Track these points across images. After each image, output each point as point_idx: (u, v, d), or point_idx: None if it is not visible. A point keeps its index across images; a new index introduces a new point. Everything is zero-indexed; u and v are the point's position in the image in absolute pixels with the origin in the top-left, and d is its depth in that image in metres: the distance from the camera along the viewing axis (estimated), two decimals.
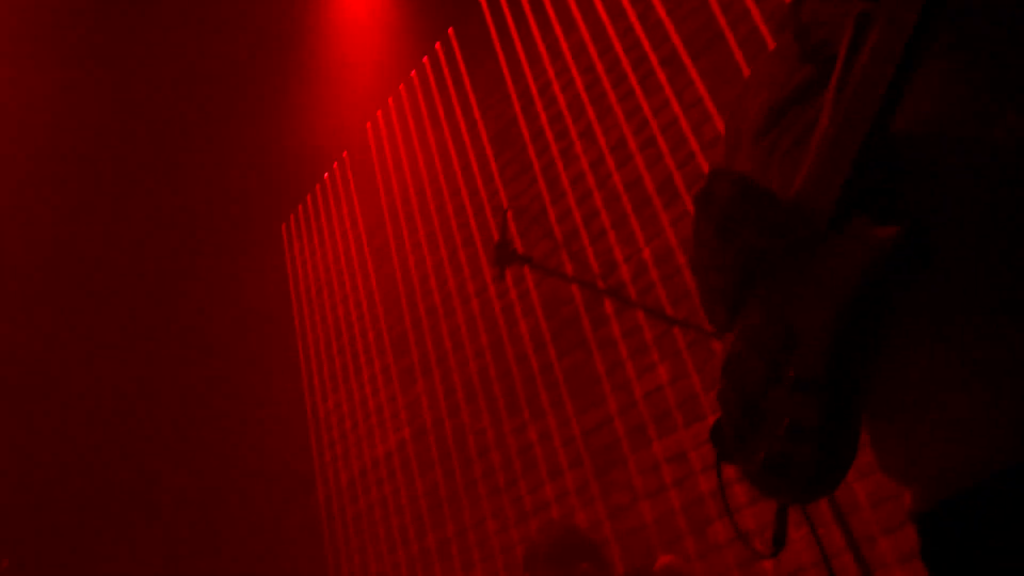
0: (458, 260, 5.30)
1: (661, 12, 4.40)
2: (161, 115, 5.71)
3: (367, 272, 5.96)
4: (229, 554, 5.77)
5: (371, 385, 5.70)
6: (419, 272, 5.55)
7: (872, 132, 1.00)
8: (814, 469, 1.01)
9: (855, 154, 1.01)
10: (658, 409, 4.01)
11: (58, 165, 5.49)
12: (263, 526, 5.78)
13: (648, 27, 4.46)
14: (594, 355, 4.36)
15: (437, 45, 5.72)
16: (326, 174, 6.51)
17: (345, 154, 6.39)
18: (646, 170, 4.32)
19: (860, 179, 1.01)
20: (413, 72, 5.88)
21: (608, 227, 4.44)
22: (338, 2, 5.73)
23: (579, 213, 4.61)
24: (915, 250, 0.96)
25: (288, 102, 5.90)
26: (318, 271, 6.42)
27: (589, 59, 4.75)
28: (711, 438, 1.22)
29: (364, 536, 5.43)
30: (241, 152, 5.94)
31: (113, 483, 5.66)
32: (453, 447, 5.04)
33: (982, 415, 0.93)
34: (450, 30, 5.64)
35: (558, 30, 4.97)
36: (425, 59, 5.79)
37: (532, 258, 2.85)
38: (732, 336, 1.21)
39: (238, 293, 6.39)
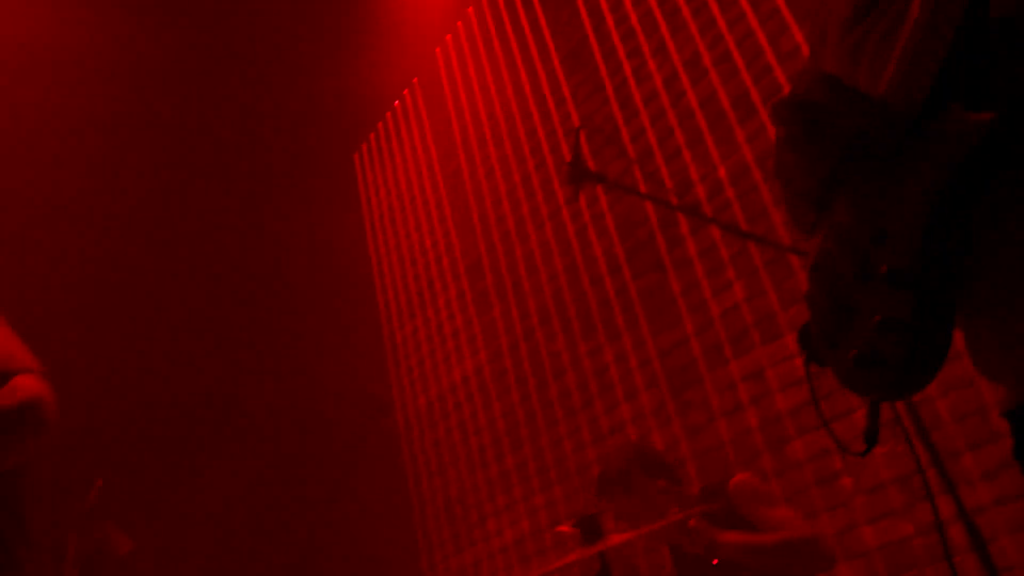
0: (531, 184, 5.29)
1: None
2: (233, 49, 5.75)
3: (440, 198, 5.99)
4: (313, 479, 5.96)
5: (446, 311, 5.76)
6: (492, 197, 5.56)
7: (967, 16, 0.97)
8: (906, 363, 1.00)
9: (950, 39, 0.97)
10: (735, 328, 3.98)
11: (137, 103, 5.59)
12: (345, 451, 5.95)
13: None
14: (669, 275, 4.33)
15: None
16: (396, 102, 6.52)
17: (415, 81, 6.38)
18: (721, 86, 4.23)
19: (954, 65, 0.98)
20: None
21: (683, 146, 4.38)
22: None
23: (653, 132, 4.54)
24: (1011, 137, 0.93)
25: (357, 31, 5.90)
26: (391, 199, 6.47)
27: None
28: (799, 341, 1.21)
29: (444, 459, 5.55)
30: (312, 84, 5.97)
31: (202, 410, 5.86)
32: (529, 370, 5.09)
33: None
34: None
35: None
36: None
37: (606, 177, 2.83)
38: (819, 239, 1.20)
39: (314, 224, 6.49)
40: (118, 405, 5.42)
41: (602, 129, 4.79)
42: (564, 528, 2.38)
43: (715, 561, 2.42)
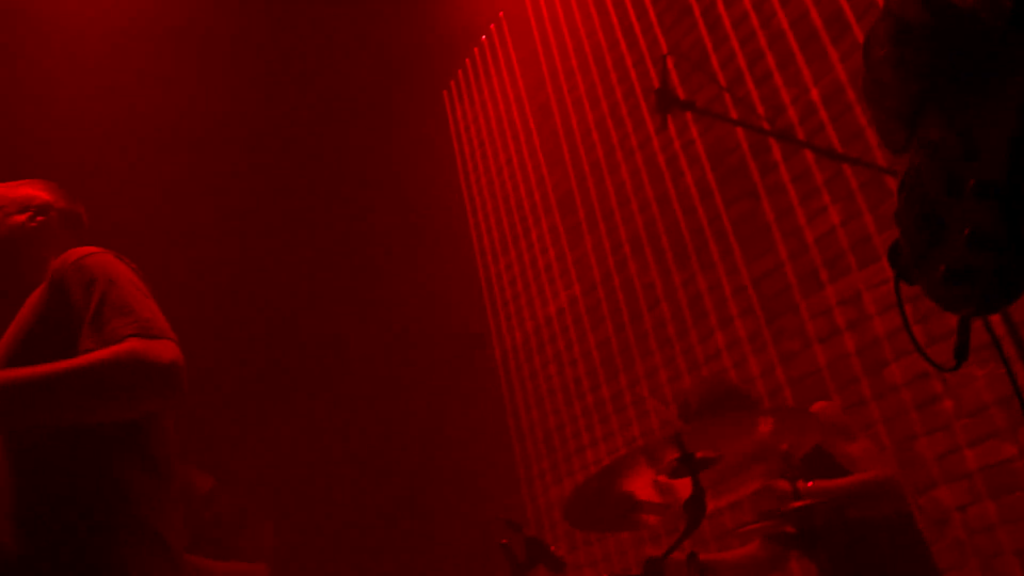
0: (620, 114, 5.25)
1: None
2: None
3: (530, 132, 5.99)
4: (414, 414, 6.14)
5: (539, 244, 5.80)
6: (581, 128, 5.54)
7: None
8: (996, 277, 1.00)
9: None
10: (830, 252, 3.92)
11: (231, 41, 5.68)
12: (445, 386, 6.10)
13: None
14: (763, 202, 4.28)
15: None
16: (483, 36, 6.51)
17: (501, 15, 6.35)
18: (813, 5, 4.11)
19: None
20: None
21: (774, 68, 4.28)
22: None
23: (743, 56, 4.45)
24: None
25: None
26: (481, 135, 6.50)
27: None
28: (889, 259, 1.21)
29: (541, 391, 5.64)
30: (400, 22, 6.00)
31: (305, 348, 6.06)
32: (623, 301, 5.11)
33: None
34: None
35: None
36: None
37: (694, 104, 2.80)
38: (909, 157, 1.19)
39: (406, 163, 6.58)
40: (232, 335, 5.63)
41: (690, 55, 4.71)
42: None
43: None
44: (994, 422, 3.26)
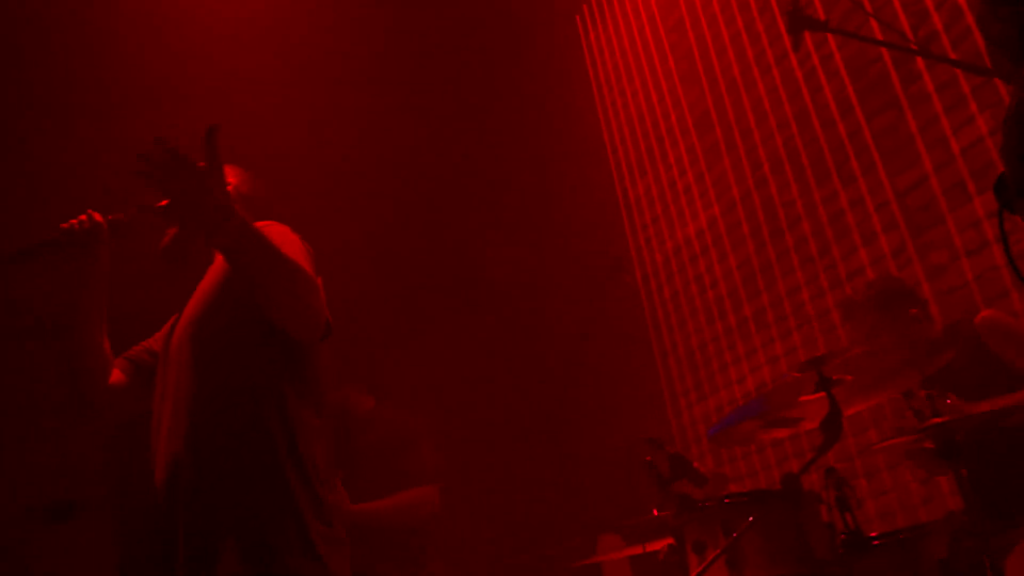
0: (755, 29, 5.15)
1: None
2: None
3: (664, 53, 5.95)
4: (559, 335, 6.32)
5: (677, 166, 5.81)
6: (716, 46, 5.47)
7: None
8: None
9: None
10: (978, 163, 3.81)
11: None
12: (588, 308, 6.23)
13: None
14: (906, 113, 4.17)
15: None
16: None
17: None
18: None
19: None
20: None
21: None
22: None
23: None
24: None
25: None
26: (615, 58, 6.48)
27: None
28: (995, 192, 1.25)
29: (682, 311, 5.72)
30: None
31: (455, 270, 6.30)
32: (763, 220, 5.09)
33: None
34: None
35: None
36: None
37: (827, 22, 2.78)
38: (1014, 91, 1.22)
39: (542, 89, 6.65)
40: (381, 267, 5.91)
41: None
42: (791, 375, 2.51)
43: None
44: None
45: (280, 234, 2.14)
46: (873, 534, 2.51)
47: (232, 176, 2.46)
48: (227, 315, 2.13)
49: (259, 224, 2.18)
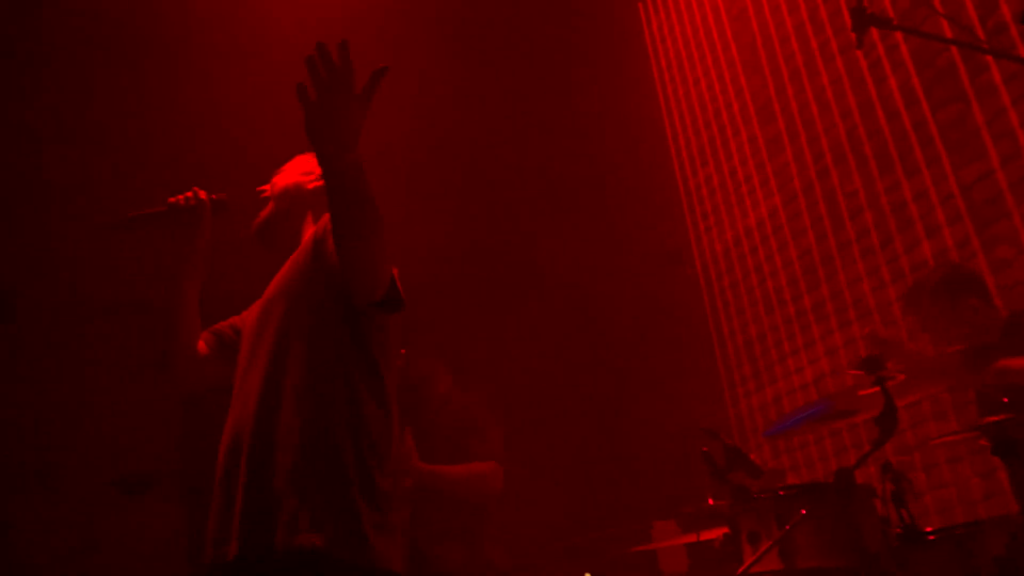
0: (819, 18, 5.12)
1: None
2: None
3: (727, 41, 5.93)
4: (619, 324, 6.37)
5: (739, 155, 5.80)
6: (780, 35, 5.44)
7: None
8: None
9: None
10: None
11: None
12: (648, 297, 6.27)
13: None
14: (972, 106, 4.12)
15: None
16: None
17: None
18: None
19: None
20: None
21: None
22: None
23: None
24: None
25: None
26: (677, 45, 6.48)
27: None
28: None
29: (742, 301, 5.72)
30: None
31: (513, 259, 6.38)
32: (824, 210, 5.08)
33: None
34: None
35: None
36: None
37: (891, 20, 2.78)
38: None
39: (604, 78, 6.68)
40: (439, 256, 6.02)
41: None
42: (850, 373, 2.54)
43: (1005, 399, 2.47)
44: None
45: None
46: (928, 528, 2.54)
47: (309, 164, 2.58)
48: (308, 297, 2.24)
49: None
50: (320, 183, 2.48)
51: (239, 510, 2.08)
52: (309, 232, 2.42)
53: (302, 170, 2.60)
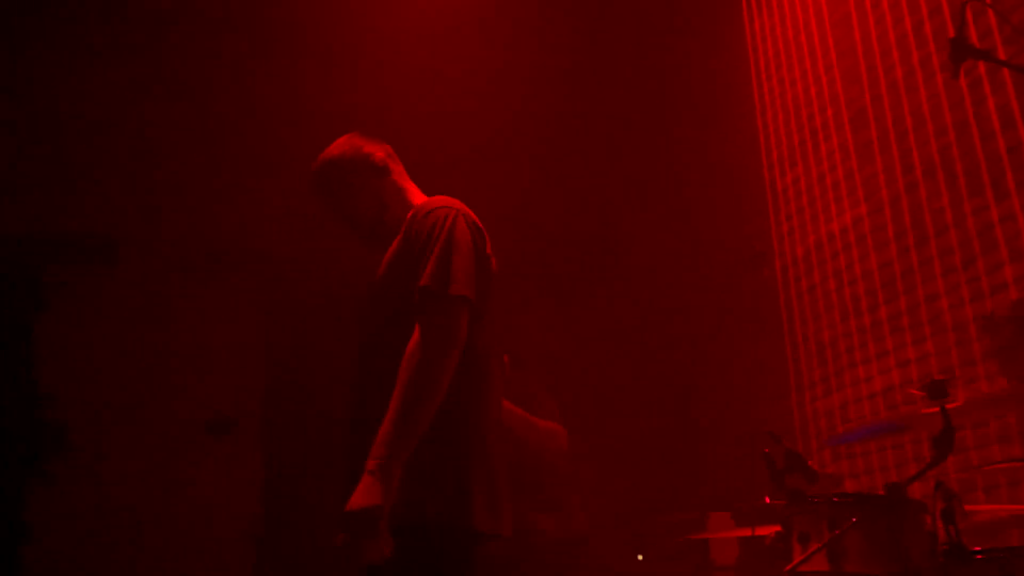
0: (923, 32, 5.12)
1: None
2: None
3: (827, 46, 5.95)
4: (693, 317, 6.47)
5: (828, 161, 5.83)
6: (881, 45, 5.44)
7: None
8: None
9: None
10: None
11: None
12: (724, 292, 6.36)
13: None
14: None
15: None
16: None
17: None
18: None
19: None
20: None
21: None
22: None
23: None
24: None
25: None
26: (777, 46, 6.50)
27: None
28: None
29: (818, 305, 5.78)
30: None
31: (595, 245, 6.52)
32: (910, 224, 5.10)
33: None
34: None
35: None
36: None
37: (992, 54, 2.84)
38: None
39: (700, 71, 6.74)
40: (523, 238, 6.20)
41: (995, 3, 4.51)
42: (913, 390, 2.64)
43: None
44: None
45: (442, 220, 2.42)
46: (977, 548, 2.64)
47: (371, 147, 2.74)
48: (393, 294, 2.46)
49: (433, 200, 2.47)
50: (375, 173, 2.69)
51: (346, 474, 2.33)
52: (401, 228, 2.58)
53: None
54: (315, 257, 6.49)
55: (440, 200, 2.51)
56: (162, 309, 6.18)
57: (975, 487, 4.42)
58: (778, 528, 2.79)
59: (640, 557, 5.16)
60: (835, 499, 2.64)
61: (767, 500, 3.31)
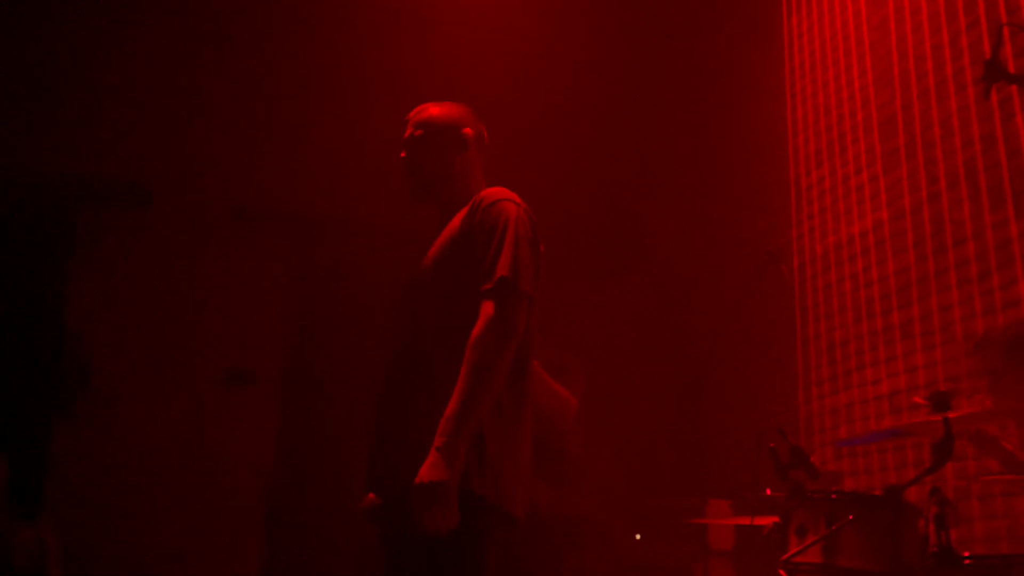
0: (960, 44, 5.17)
1: None
2: None
3: (863, 49, 5.99)
4: (708, 306, 6.57)
5: (854, 163, 5.90)
6: (917, 53, 5.49)
7: None
8: None
9: None
10: None
11: None
12: (740, 285, 6.44)
13: None
14: None
15: None
16: None
17: None
18: None
19: None
20: None
21: None
22: None
23: None
24: None
25: None
26: (813, 45, 6.54)
27: None
28: None
29: (832, 305, 5.88)
30: None
31: (615, 231, 6.63)
32: (929, 233, 5.18)
33: None
34: None
35: None
36: None
37: (1022, 77, 2.92)
38: None
39: (734, 63, 6.80)
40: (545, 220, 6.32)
41: None
42: (918, 399, 2.76)
43: None
44: None
45: (505, 214, 2.53)
46: (966, 554, 2.76)
47: (469, 121, 2.85)
48: (449, 273, 2.57)
49: (496, 191, 2.58)
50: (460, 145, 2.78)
51: (376, 443, 2.47)
52: (464, 207, 2.68)
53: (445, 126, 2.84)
54: (349, 222, 6.63)
55: (503, 192, 2.61)
56: (193, 260, 6.33)
57: (970, 495, 4.54)
58: (776, 519, 2.92)
59: (638, 536, 5.31)
60: (834, 496, 2.77)
61: (768, 492, 3.43)
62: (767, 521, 2.98)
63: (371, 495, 2.61)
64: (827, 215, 6.08)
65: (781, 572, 2.73)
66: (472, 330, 2.37)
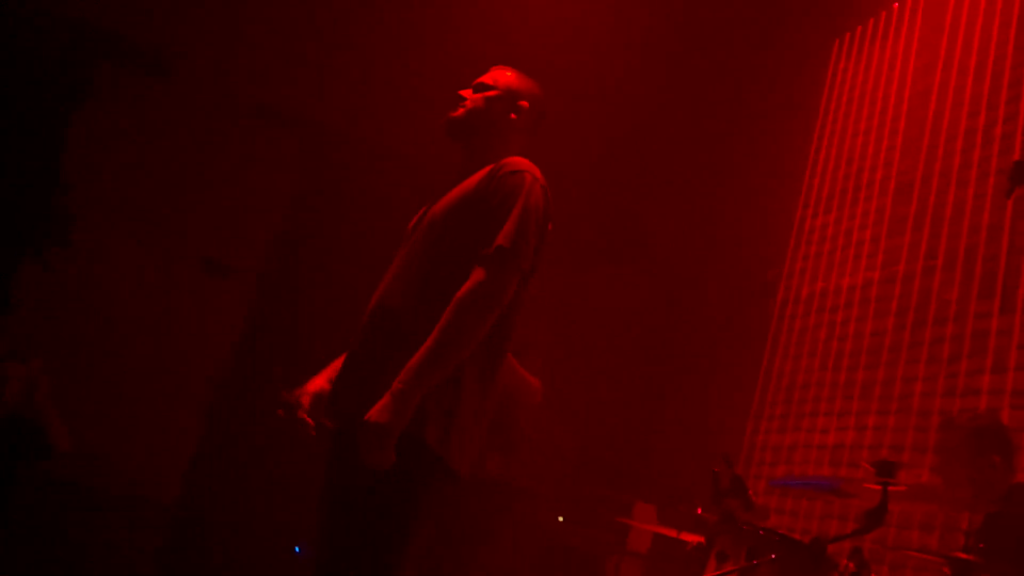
0: (994, 132, 5.23)
1: None
2: None
3: (899, 112, 6.04)
4: (690, 320, 6.66)
5: (861, 219, 5.98)
6: (950, 130, 5.53)
7: None
8: None
9: None
10: None
11: None
12: (726, 305, 6.56)
13: None
14: None
15: None
16: (896, 3, 6.49)
17: None
18: None
19: None
20: None
21: None
22: None
23: None
24: None
25: None
26: (853, 93, 6.59)
27: None
28: None
29: (803, 348, 5.98)
30: None
31: (617, 229, 6.69)
32: (914, 304, 5.28)
33: None
34: None
35: None
36: None
37: None
38: None
39: (773, 94, 6.84)
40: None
41: None
42: (863, 463, 2.85)
43: None
44: None
45: (521, 187, 2.57)
46: None
47: (534, 96, 2.89)
48: (454, 230, 2.60)
49: (517, 161, 2.62)
50: (514, 112, 2.81)
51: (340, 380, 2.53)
52: (486, 168, 2.70)
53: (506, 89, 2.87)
54: (362, 142, 6.63)
55: (523, 164, 2.64)
56: (199, 144, 6.32)
57: (883, 561, 4.67)
58: (701, 539, 3.02)
59: (560, 519, 5.42)
60: (762, 532, 2.86)
61: (699, 511, 3.54)
62: (693, 539, 3.08)
63: (299, 393, 2.66)
64: (821, 261, 6.17)
65: None
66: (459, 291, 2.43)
